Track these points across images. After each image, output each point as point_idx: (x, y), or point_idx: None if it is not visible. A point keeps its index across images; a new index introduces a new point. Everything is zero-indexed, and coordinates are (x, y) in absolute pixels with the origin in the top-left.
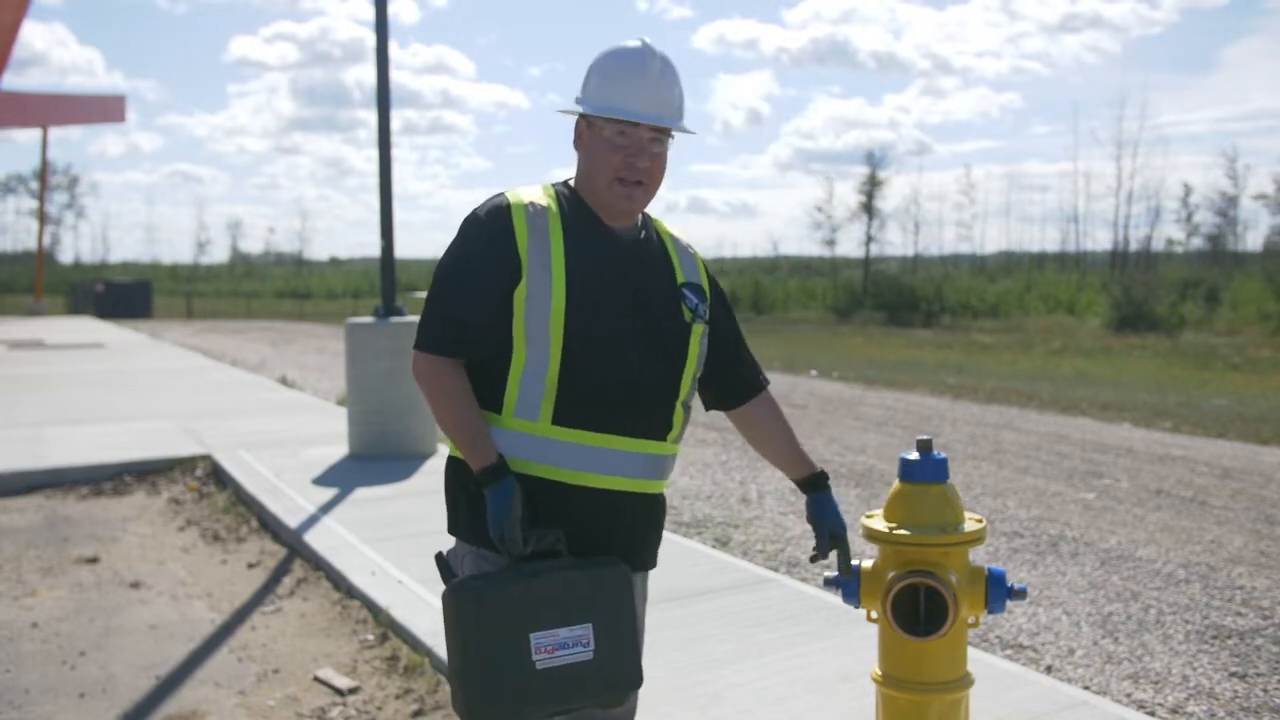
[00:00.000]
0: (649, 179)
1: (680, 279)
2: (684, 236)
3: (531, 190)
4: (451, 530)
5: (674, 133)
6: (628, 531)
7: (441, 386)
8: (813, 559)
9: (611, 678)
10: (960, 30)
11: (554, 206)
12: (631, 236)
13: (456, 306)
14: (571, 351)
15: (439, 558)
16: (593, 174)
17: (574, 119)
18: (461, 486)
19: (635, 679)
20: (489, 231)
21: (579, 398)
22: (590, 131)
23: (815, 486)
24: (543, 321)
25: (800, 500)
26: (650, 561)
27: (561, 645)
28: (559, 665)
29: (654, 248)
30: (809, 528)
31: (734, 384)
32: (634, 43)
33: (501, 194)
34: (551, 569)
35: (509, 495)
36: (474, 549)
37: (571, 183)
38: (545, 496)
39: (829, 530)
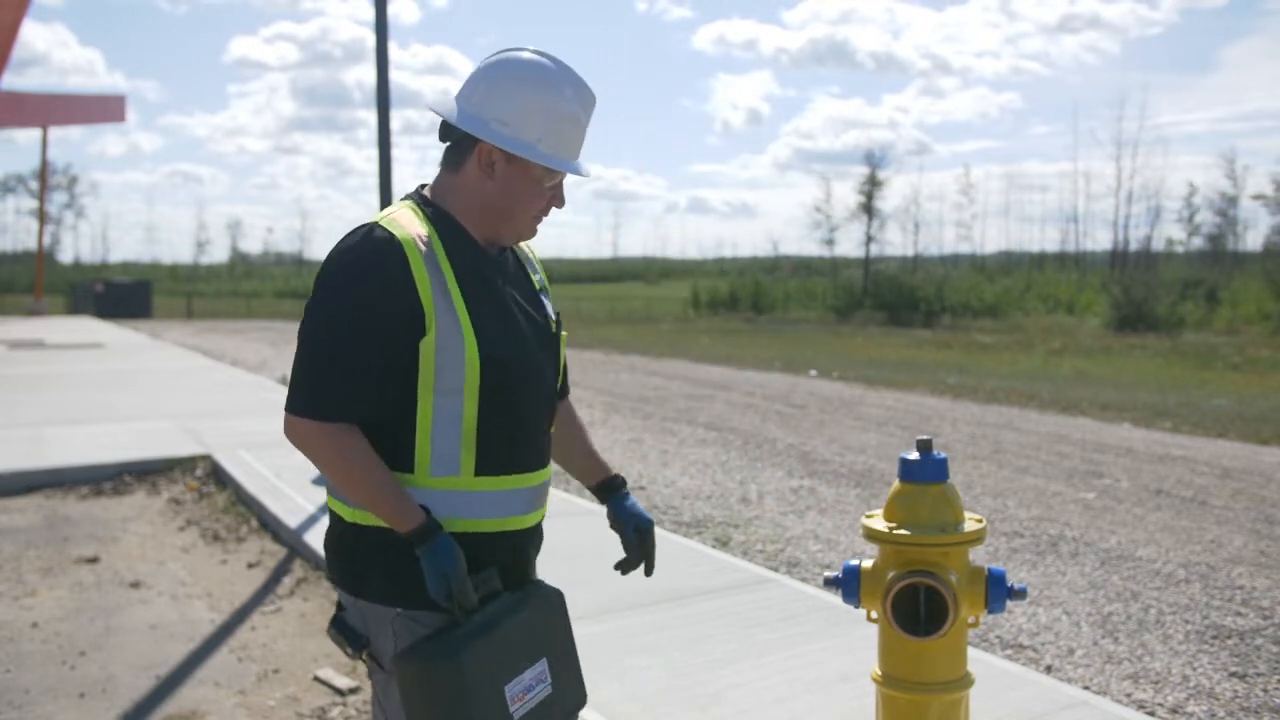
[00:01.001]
0: None
1: (535, 284)
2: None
3: (405, 217)
4: (362, 594)
5: None
6: (530, 561)
7: (343, 453)
8: (623, 569)
9: (566, 704)
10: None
11: (433, 232)
12: (496, 253)
13: (352, 363)
14: (486, 400)
15: (339, 624)
16: (513, 211)
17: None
18: (374, 548)
19: (583, 699)
20: (382, 275)
21: (495, 445)
22: (513, 169)
23: (614, 489)
24: (458, 373)
25: (800, 500)
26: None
27: (528, 689)
28: (531, 709)
29: (511, 257)
30: (809, 527)
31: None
32: (568, 74)
33: (378, 226)
34: (503, 613)
35: (451, 549)
36: (401, 611)
37: (431, 197)
38: (472, 548)
39: (634, 526)
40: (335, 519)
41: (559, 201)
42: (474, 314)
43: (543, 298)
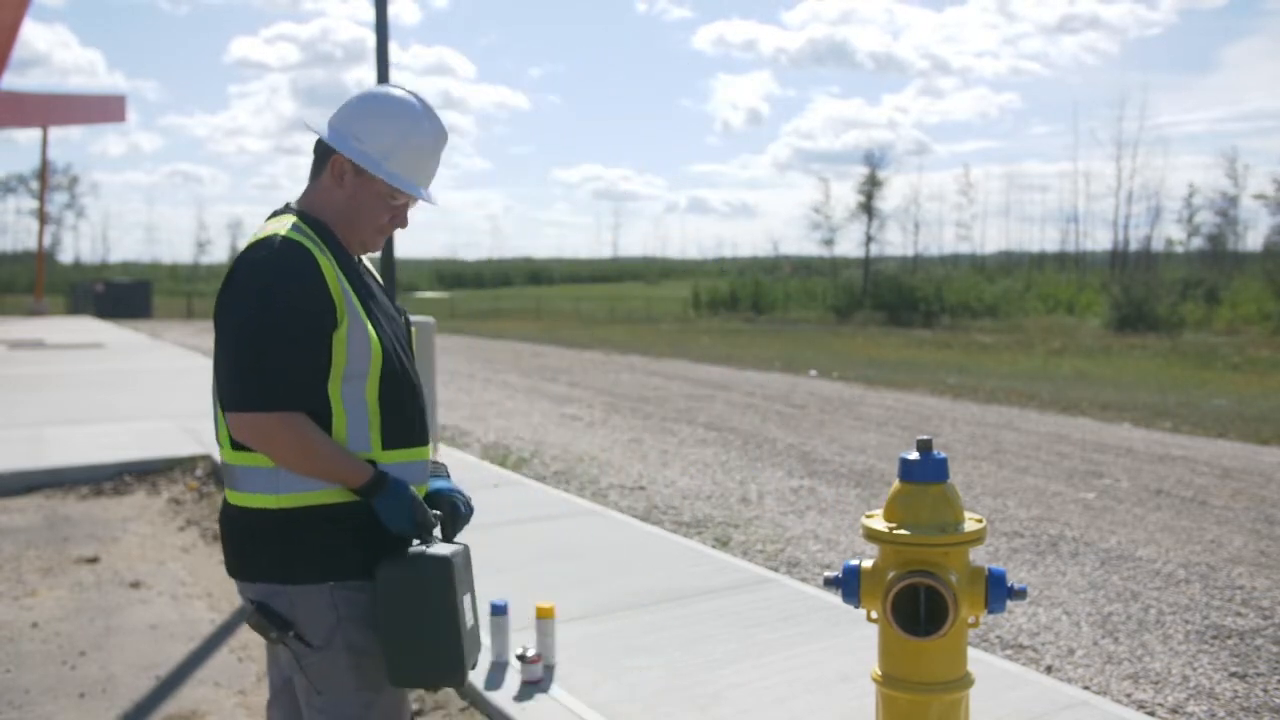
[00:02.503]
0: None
1: (380, 281)
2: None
3: (297, 229)
4: (292, 579)
5: None
6: None
7: (302, 435)
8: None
9: (472, 649)
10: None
11: (320, 241)
12: (355, 257)
13: (291, 357)
14: (385, 380)
15: (264, 611)
16: (356, 220)
17: (316, 140)
18: (303, 530)
19: (475, 658)
20: (301, 276)
21: (396, 421)
22: (360, 180)
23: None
24: (364, 357)
25: (800, 500)
26: None
27: (467, 610)
28: (470, 628)
29: (361, 263)
30: (809, 527)
31: None
32: (426, 110)
33: (283, 238)
34: (456, 543)
35: (406, 485)
36: (334, 585)
37: (302, 208)
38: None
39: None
40: (255, 513)
41: (401, 222)
42: (366, 308)
43: (391, 299)
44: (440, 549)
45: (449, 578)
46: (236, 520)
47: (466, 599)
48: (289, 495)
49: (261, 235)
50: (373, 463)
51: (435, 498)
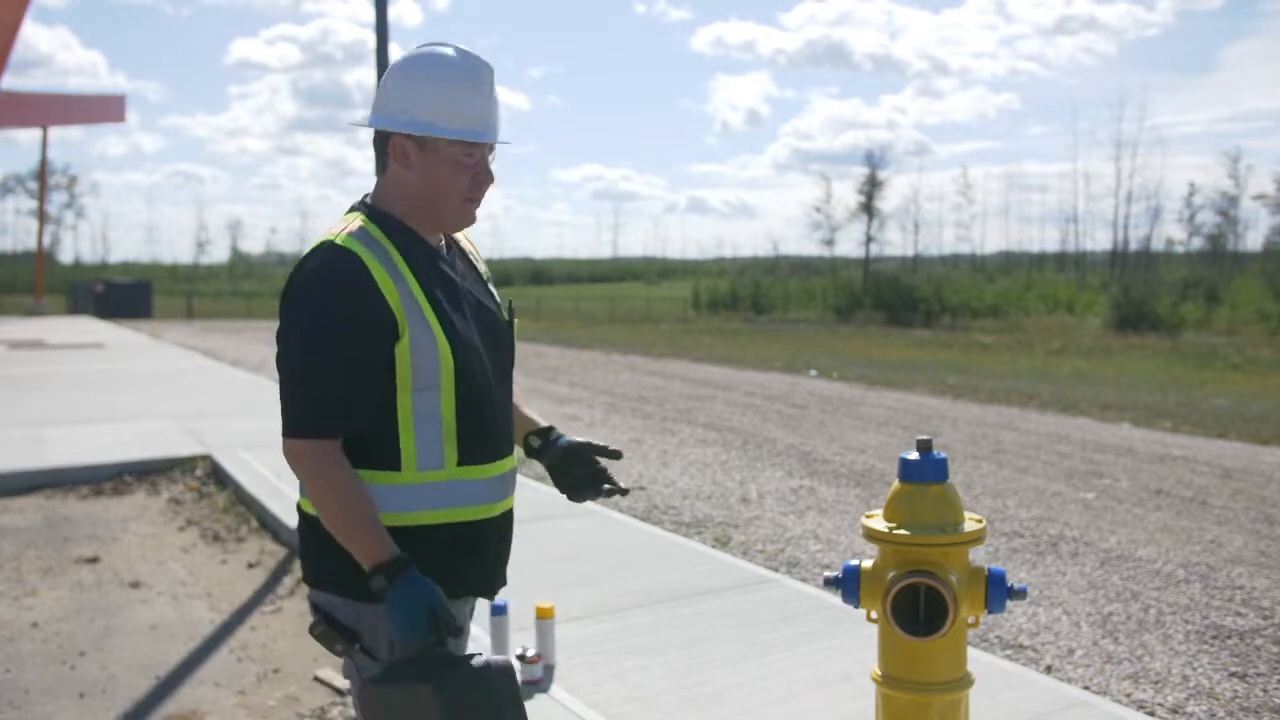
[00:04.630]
0: (484, 194)
1: (483, 274)
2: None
3: (356, 229)
4: (357, 596)
5: None
6: (509, 545)
7: (331, 476)
8: (618, 491)
9: None
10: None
11: (386, 239)
12: (439, 245)
13: (342, 382)
14: (461, 393)
15: (330, 621)
16: (435, 196)
17: (371, 132)
18: (427, 548)
19: None
20: (349, 289)
21: (473, 435)
22: (424, 152)
23: (554, 436)
24: (433, 370)
25: (800, 500)
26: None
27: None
28: None
29: (457, 250)
30: (809, 527)
31: None
32: (454, 52)
33: (334, 245)
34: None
35: (430, 585)
36: (371, 606)
37: (373, 202)
38: (462, 537)
39: (589, 451)
40: (319, 521)
41: (485, 177)
42: (438, 312)
43: (490, 286)
44: (496, 657)
45: (516, 690)
46: (303, 526)
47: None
48: None
49: (319, 240)
50: (406, 533)
51: (579, 450)
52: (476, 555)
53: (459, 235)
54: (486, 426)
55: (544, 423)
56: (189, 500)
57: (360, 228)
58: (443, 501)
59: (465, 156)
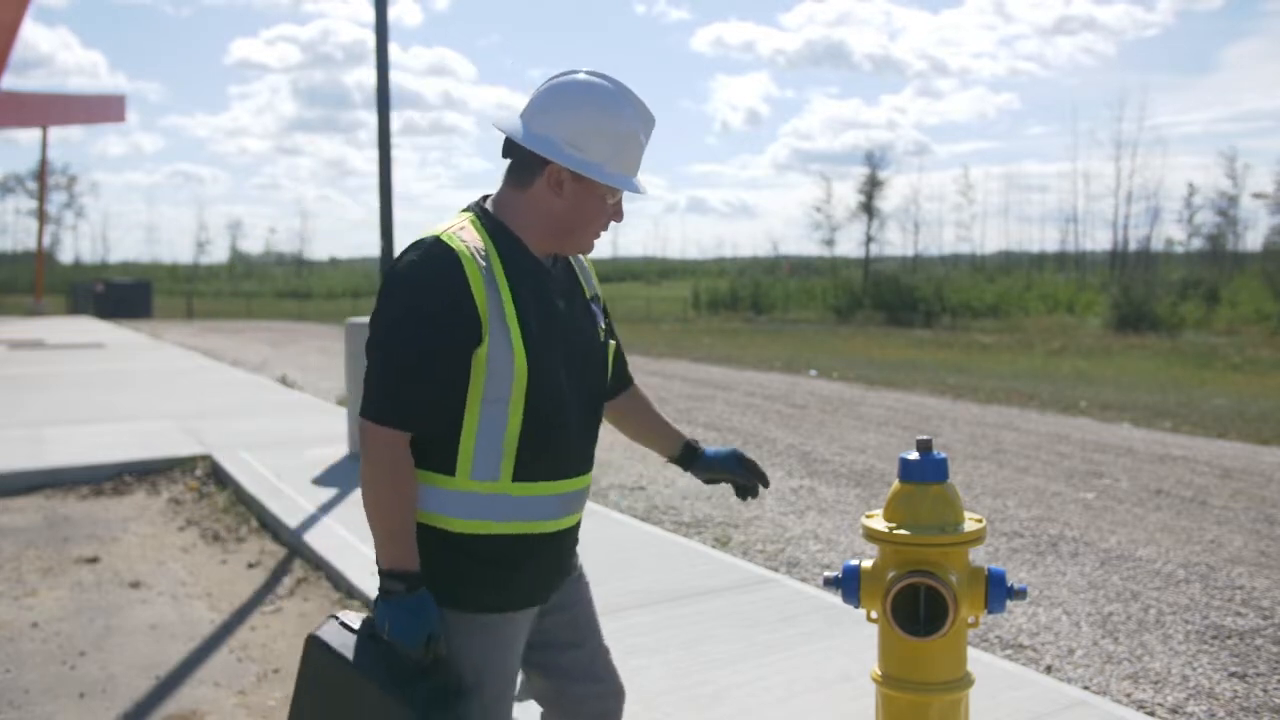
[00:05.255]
0: None
1: (587, 293)
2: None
3: (463, 229)
4: (458, 605)
5: None
6: (568, 559)
7: (392, 467)
8: (749, 493)
9: None
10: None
11: (491, 246)
12: (550, 263)
13: (418, 376)
14: (530, 410)
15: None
16: (577, 227)
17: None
18: (424, 546)
19: None
20: (441, 287)
21: (537, 452)
22: (580, 187)
23: (697, 451)
24: (505, 383)
25: (800, 500)
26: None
27: None
28: None
29: (563, 269)
30: (809, 527)
31: (617, 380)
32: (632, 100)
33: (439, 241)
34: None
35: (432, 608)
36: (488, 616)
37: (492, 209)
38: (504, 551)
39: (735, 460)
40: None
41: (619, 216)
42: (524, 327)
43: (593, 306)
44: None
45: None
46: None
47: None
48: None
49: (425, 233)
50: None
51: (725, 459)
52: (520, 570)
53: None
54: (552, 446)
55: (687, 435)
56: (189, 500)
57: (468, 230)
58: (488, 513)
59: (611, 197)
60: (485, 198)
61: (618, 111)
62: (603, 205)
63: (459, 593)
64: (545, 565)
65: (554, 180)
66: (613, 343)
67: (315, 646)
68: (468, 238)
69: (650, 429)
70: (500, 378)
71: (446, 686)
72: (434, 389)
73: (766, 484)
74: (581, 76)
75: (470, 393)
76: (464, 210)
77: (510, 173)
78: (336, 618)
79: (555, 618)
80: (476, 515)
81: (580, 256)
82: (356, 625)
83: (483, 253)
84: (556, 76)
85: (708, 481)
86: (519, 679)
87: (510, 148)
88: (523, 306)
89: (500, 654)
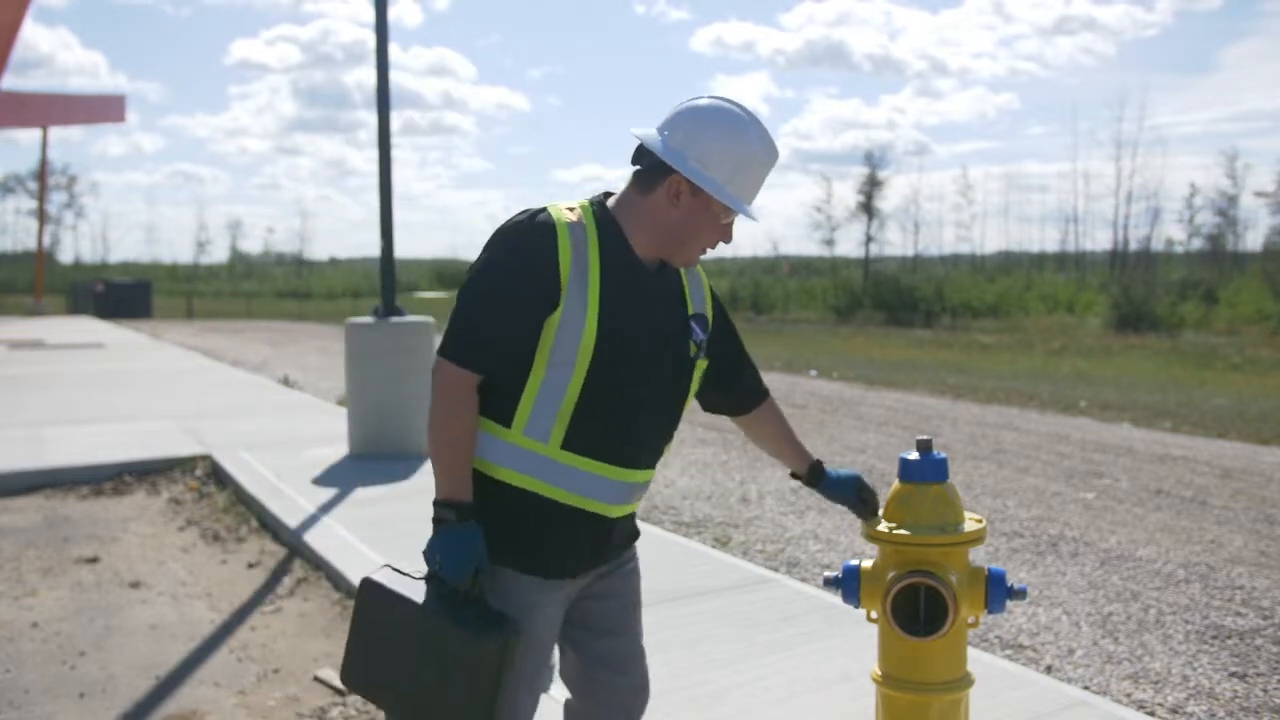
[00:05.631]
0: None
1: (690, 310)
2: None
3: (572, 210)
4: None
5: None
6: (614, 543)
7: (457, 403)
8: (869, 523)
9: None
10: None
11: (593, 230)
12: (654, 267)
13: (492, 324)
14: (591, 382)
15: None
16: (688, 239)
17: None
18: (502, 507)
19: None
20: (533, 249)
21: (589, 427)
22: (697, 201)
23: (820, 474)
24: (571, 349)
25: (800, 500)
26: (631, 542)
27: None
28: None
29: (669, 279)
30: (809, 527)
31: (741, 397)
32: (763, 134)
33: (545, 210)
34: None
35: (479, 536)
36: (520, 575)
37: (611, 206)
38: (548, 517)
39: (854, 490)
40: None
41: (727, 237)
42: (604, 304)
43: (692, 324)
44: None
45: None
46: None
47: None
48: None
49: (534, 206)
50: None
51: (844, 486)
52: (553, 537)
53: (695, 267)
54: (608, 427)
55: (808, 458)
56: (189, 500)
57: (577, 212)
58: (532, 471)
59: (725, 217)
60: (607, 195)
61: (744, 136)
62: (714, 222)
63: (491, 542)
64: (579, 542)
65: (673, 191)
66: (702, 362)
67: (367, 587)
68: (571, 215)
69: (777, 444)
70: (568, 345)
71: (494, 613)
72: (502, 338)
73: (876, 515)
74: (718, 101)
75: (539, 352)
76: (586, 200)
77: (635, 178)
78: (389, 565)
79: (599, 604)
80: (520, 470)
81: (701, 276)
82: (407, 570)
83: (582, 230)
84: (693, 98)
85: (830, 499)
86: (554, 656)
87: (638, 156)
88: (607, 287)
89: (519, 616)
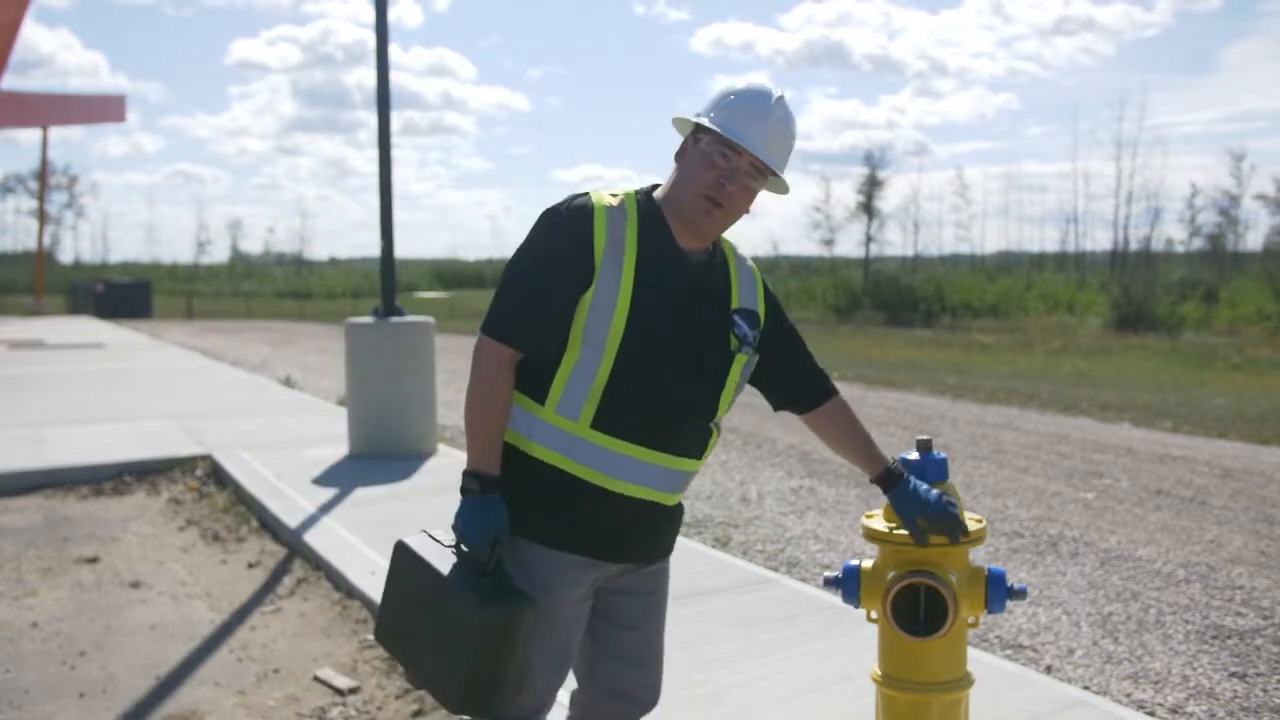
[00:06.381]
0: (730, 205)
1: (735, 304)
2: (749, 255)
3: (614, 194)
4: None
5: (767, 182)
6: (642, 533)
7: (493, 378)
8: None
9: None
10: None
11: (633, 215)
12: (698, 259)
13: (531, 303)
14: (622, 362)
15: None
16: (682, 185)
17: (677, 132)
18: (530, 481)
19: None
20: (570, 231)
21: (620, 407)
22: (695, 147)
23: (891, 483)
24: (602, 329)
25: (800, 500)
26: (665, 552)
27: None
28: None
29: (717, 272)
30: (809, 527)
31: (801, 392)
32: (769, 86)
33: (586, 194)
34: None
35: (500, 507)
36: (545, 550)
37: (655, 194)
38: (575, 494)
39: (913, 516)
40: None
41: (730, 181)
42: (637, 287)
43: (736, 318)
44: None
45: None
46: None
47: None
48: (509, 431)
49: (579, 191)
50: (540, 462)
51: (921, 504)
52: (577, 515)
53: (747, 259)
54: (639, 409)
55: (881, 463)
56: (189, 500)
57: (619, 199)
58: (562, 448)
59: (720, 158)
60: (655, 187)
61: (752, 88)
62: (709, 164)
63: (518, 514)
64: (604, 523)
65: (683, 149)
66: (743, 356)
67: (399, 550)
68: (613, 201)
69: (844, 446)
70: (597, 323)
71: (510, 585)
72: (538, 316)
73: (955, 541)
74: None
75: (573, 331)
76: (629, 189)
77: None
78: (425, 531)
79: (624, 599)
80: (553, 447)
81: (754, 272)
82: (440, 537)
83: (622, 217)
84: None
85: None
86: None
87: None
88: (642, 272)
89: (539, 592)
